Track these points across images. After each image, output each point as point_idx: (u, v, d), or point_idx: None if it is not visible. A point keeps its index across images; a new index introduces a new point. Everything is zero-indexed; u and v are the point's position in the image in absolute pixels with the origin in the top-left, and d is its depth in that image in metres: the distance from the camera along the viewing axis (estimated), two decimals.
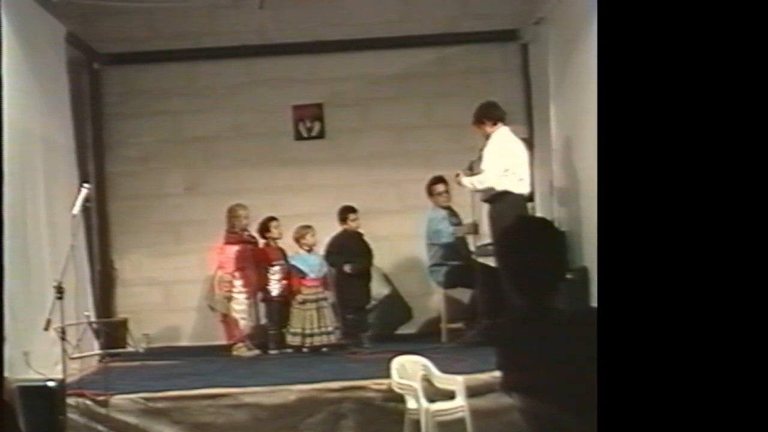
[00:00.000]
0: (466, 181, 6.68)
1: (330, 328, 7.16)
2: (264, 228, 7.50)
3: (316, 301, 7.20)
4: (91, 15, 7.80)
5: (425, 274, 7.75)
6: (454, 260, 7.39)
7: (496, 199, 6.54)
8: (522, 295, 2.47)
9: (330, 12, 8.32)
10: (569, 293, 6.06)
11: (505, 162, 6.54)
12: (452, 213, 7.58)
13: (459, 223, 7.48)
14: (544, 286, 2.45)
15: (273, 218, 7.52)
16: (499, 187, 6.49)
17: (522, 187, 6.65)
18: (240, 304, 7.29)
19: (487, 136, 6.64)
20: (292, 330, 7.17)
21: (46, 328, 5.23)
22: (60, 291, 5.23)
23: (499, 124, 6.67)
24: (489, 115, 6.67)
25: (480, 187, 6.61)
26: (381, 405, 5.27)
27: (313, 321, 7.14)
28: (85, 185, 5.65)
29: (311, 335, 7.12)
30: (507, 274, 2.53)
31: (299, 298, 7.24)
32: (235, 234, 7.41)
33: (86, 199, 5.50)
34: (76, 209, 5.36)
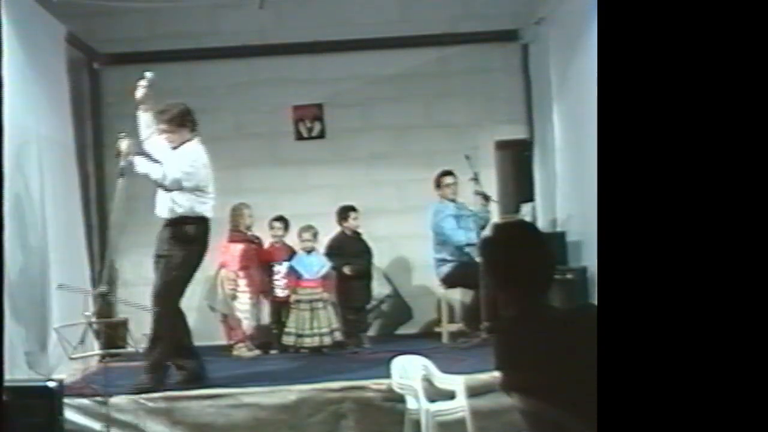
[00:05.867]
0: None
1: (324, 330, 7.11)
2: (271, 227, 7.52)
3: (310, 302, 7.16)
4: (91, 15, 7.77)
5: (425, 273, 7.72)
6: (457, 257, 7.33)
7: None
8: (512, 299, 2.47)
9: (330, 12, 8.31)
10: (569, 293, 6.11)
11: None
12: (459, 206, 7.48)
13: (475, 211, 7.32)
14: (533, 288, 2.45)
15: (281, 217, 7.54)
16: None
17: None
18: (243, 304, 7.29)
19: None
20: (287, 330, 7.17)
21: (47, 329, 5.22)
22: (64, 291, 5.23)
23: None
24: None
25: None
26: (381, 405, 5.27)
27: (305, 322, 7.11)
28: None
29: (302, 336, 7.10)
30: (494, 281, 2.53)
31: (293, 298, 7.24)
32: (239, 233, 7.41)
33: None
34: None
